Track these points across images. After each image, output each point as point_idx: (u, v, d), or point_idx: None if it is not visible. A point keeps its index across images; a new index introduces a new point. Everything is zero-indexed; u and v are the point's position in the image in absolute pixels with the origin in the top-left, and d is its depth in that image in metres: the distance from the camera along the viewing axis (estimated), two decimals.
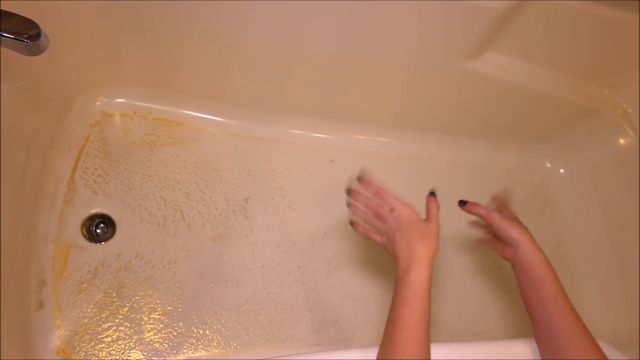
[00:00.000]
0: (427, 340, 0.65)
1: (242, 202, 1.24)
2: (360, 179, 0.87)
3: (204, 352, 1.08)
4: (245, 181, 1.26)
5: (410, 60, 1.16)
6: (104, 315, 1.05)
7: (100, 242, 1.10)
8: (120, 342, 1.04)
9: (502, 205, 0.92)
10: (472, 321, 1.27)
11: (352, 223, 0.91)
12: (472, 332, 1.26)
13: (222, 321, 1.11)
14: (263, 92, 1.25)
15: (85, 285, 1.06)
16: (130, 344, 1.04)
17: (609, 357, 0.73)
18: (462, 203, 0.90)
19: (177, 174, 1.21)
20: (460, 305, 1.28)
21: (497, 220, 0.83)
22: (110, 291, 1.07)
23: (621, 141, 1.32)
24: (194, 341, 1.08)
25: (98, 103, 1.20)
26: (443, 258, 1.31)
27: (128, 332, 1.05)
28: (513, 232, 0.80)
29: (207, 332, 1.10)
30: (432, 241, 0.74)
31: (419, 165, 1.42)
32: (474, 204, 0.88)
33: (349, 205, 0.89)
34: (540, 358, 0.73)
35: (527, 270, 0.76)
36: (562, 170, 1.51)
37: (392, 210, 0.80)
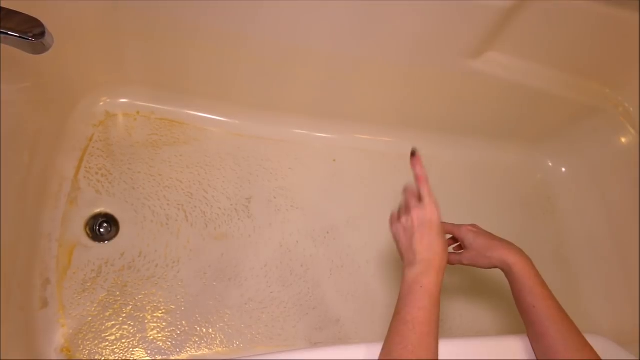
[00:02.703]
0: (436, 347, 0.66)
1: (245, 202, 1.24)
2: (413, 152, 0.80)
3: (207, 350, 1.08)
4: (247, 180, 1.26)
5: (412, 60, 1.17)
6: (107, 313, 1.05)
7: (103, 241, 1.11)
8: (123, 341, 1.04)
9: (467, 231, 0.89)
10: (473, 320, 1.28)
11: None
12: (474, 330, 1.26)
13: (225, 320, 1.12)
14: (265, 92, 1.26)
15: (89, 284, 1.06)
16: (134, 342, 1.05)
17: (609, 353, 0.74)
18: None
19: (180, 174, 1.22)
20: (462, 305, 1.28)
21: (480, 241, 0.84)
22: (114, 290, 1.07)
23: (623, 140, 1.32)
24: (197, 339, 1.08)
25: (101, 103, 1.21)
26: None
27: (131, 331, 1.05)
28: (497, 257, 0.80)
29: (210, 330, 1.10)
30: (447, 252, 0.74)
31: None
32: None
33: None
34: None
35: (518, 280, 0.77)
36: (563, 169, 1.51)
37: (422, 203, 0.76)
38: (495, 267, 0.82)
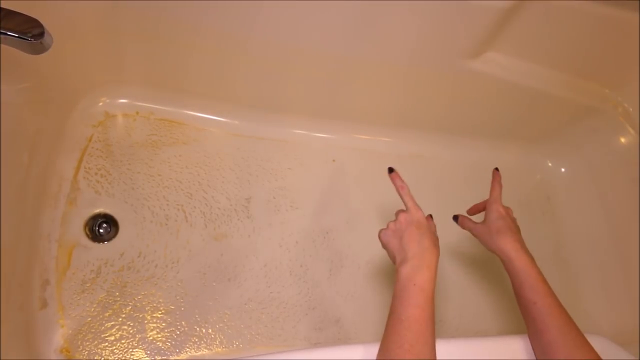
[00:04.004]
0: (433, 344, 0.66)
1: (244, 202, 1.24)
2: (390, 170, 0.87)
3: (206, 350, 1.08)
4: (247, 181, 1.26)
5: (411, 60, 1.17)
6: (107, 314, 1.05)
7: (103, 241, 1.11)
8: (123, 341, 1.04)
9: (493, 209, 0.90)
10: (473, 320, 1.28)
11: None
12: (473, 330, 1.26)
13: (225, 320, 1.12)
14: (265, 92, 1.26)
15: (88, 285, 1.06)
16: (133, 342, 1.05)
17: (609, 354, 0.74)
18: (455, 218, 0.98)
19: (179, 174, 1.22)
20: (462, 306, 1.28)
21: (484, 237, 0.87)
22: (113, 290, 1.07)
23: (622, 140, 1.32)
24: (196, 340, 1.08)
25: (101, 104, 1.21)
26: (446, 260, 1.31)
27: (131, 331, 1.05)
28: (501, 246, 0.81)
29: (210, 330, 1.10)
30: (438, 249, 0.76)
31: (420, 164, 1.43)
32: (464, 218, 0.94)
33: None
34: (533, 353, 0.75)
35: (519, 275, 0.77)
36: (563, 170, 1.51)
37: (407, 209, 0.81)
38: (495, 253, 0.82)
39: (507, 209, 0.89)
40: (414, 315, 0.66)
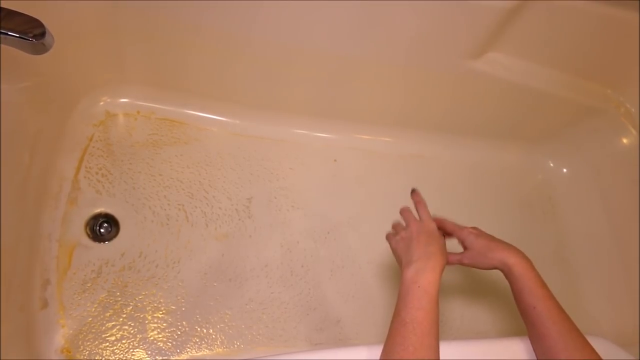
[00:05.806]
0: (437, 346, 0.66)
1: (246, 202, 1.24)
2: (413, 191, 0.93)
3: (207, 351, 1.08)
4: (248, 181, 1.26)
5: (413, 60, 1.16)
6: (107, 314, 1.05)
7: (104, 241, 1.10)
8: (124, 341, 1.04)
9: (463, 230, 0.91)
10: (473, 322, 1.28)
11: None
12: (475, 331, 1.26)
13: (226, 320, 1.12)
14: (266, 92, 1.26)
15: (89, 285, 1.06)
16: (134, 342, 1.04)
17: (609, 355, 0.74)
18: None
19: (180, 174, 1.21)
20: (462, 307, 1.28)
21: (480, 243, 0.85)
22: (114, 290, 1.07)
23: (624, 140, 1.32)
24: (197, 340, 1.08)
25: (102, 103, 1.21)
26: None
27: (132, 331, 1.05)
28: (498, 258, 0.80)
29: (211, 331, 1.10)
30: (445, 256, 0.77)
31: (421, 164, 1.43)
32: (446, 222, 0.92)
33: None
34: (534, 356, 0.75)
35: (518, 281, 0.77)
36: (564, 170, 1.51)
37: (420, 220, 0.85)
38: (495, 267, 0.82)
39: (474, 227, 0.89)
40: (417, 318, 0.66)
